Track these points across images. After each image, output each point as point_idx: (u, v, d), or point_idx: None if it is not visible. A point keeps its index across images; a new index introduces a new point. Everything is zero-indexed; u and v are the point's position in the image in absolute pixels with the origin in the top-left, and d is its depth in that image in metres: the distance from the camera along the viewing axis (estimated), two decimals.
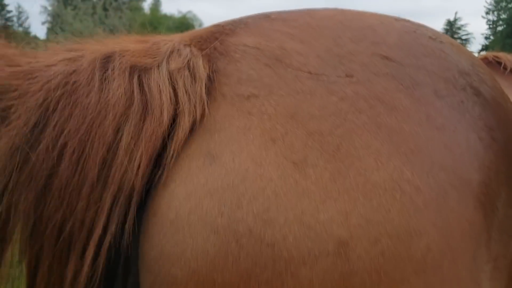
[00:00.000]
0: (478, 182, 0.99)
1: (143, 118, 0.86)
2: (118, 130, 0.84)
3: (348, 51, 1.05)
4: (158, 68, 0.92)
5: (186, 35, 1.05)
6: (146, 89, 0.88)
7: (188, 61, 0.94)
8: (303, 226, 0.77)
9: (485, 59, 2.75)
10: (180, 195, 0.79)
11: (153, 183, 0.84)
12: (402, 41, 1.14)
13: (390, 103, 0.96)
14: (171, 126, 0.86)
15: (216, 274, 0.75)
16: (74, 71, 0.88)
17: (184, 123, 0.86)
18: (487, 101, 1.14)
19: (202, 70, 0.93)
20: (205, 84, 0.92)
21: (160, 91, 0.88)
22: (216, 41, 1.01)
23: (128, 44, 0.98)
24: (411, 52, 1.12)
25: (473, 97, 1.11)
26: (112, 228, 0.80)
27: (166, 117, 0.86)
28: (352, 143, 0.86)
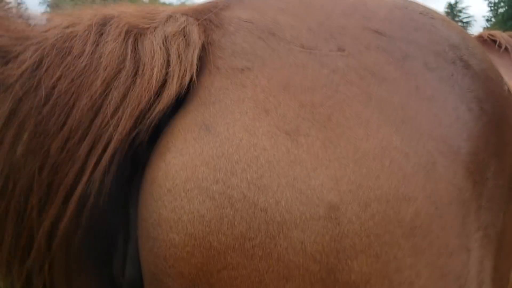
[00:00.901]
0: (467, 152, 1.02)
1: (134, 78, 0.89)
2: (106, 87, 0.86)
3: (339, 25, 1.08)
4: (154, 31, 0.94)
5: (181, 8, 1.08)
6: (140, 50, 0.91)
7: (184, 27, 0.97)
8: (295, 191, 0.80)
9: (480, 38, 2.76)
10: (176, 164, 0.82)
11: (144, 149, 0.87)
12: (392, 16, 1.17)
13: (380, 75, 0.99)
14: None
15: (212, 237, 0.78)
16: (70, 34, 0.91)
17: (172, 86, 0.89)
18: (476, 74, 1.16)
19: (196, 37, 0.95)
20: (198, 52, 0.94)
21: (153, 52, 0.91)
22: (211, 14, 1.03)
23: (126, 9, 1.01)
24: (401, 26, 1.14)
25: (463, 70, 1.13)
26: (85, 178, 0.84)
27: (155, 79, 0.89)
28: (343, 113, 0.89)
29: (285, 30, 1.01)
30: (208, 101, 0.88)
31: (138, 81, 0.88)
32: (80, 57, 0.87)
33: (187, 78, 0.91)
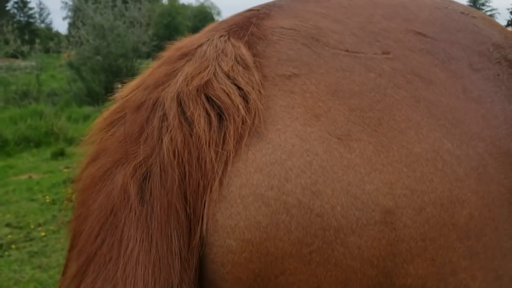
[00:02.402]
0: None
1: (222, 123, 0.90)
2: (209, 148, 0.87)
3: (382, 28, 1.08)
4: (215, 77, 0.94)
5: (221, 25, 1.08)
6: (216, 100, 0.91)
7: (235, 56, 0.97)
8: (350, 196, 0.81)
9: None
10: (231, 172, 0.83)
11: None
12: (434, 17, 1.16)
13: (427, 77, 0.98)
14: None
15: (269, 243, 0.79)
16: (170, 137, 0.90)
17: (258, 109, 0.89)
18: None
19: (249, 59, 0.96)
20: (256, 70, 0.95)
21: (228, 94, 0.91)
22: (252, 26, 1.04)
23: (178, 68, 1.00)
24: (444, 27, 1.14)
25: (508, 69, 1.13)
26: None
27: (243, 112, 0.89)
28: (393, 117, 0.89)
29: (329, 36, 1.02)
30: (262, 112, 0.89)
31: (229, 125, 0.89)
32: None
33: (262, 96, 0.91)
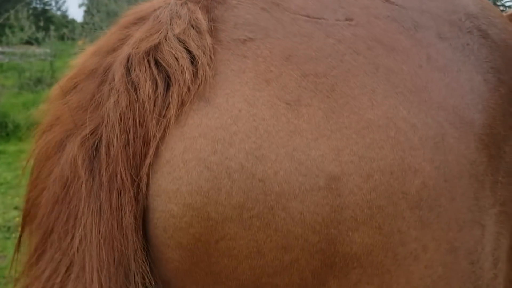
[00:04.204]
0: (481, 123, 0.98)
1: (168, 90, 0.87)
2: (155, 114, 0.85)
3: None
4: (166, 40, 0.92)
5: None
6: (164, 63, 0.89)
7: (189, 19, 0.95)
8: (294, 162, 0.79)
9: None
10: (175, 136, 0.82)
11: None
12: None
13: (389, 45, 0.96)
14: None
15: (210, 208, 0.78)
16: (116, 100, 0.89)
17: (205, 73, 0.87)
18: (495, 43, 1.11)
19: (203, 22, 0.94)
20: (209, 34, 0.93)
21: (176, 57, 0.89)
22: None
23: (135, 32, 0.99)
24: None
25: (480, 39, 1.09)
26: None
27: (188, 77, 0.87)
28: (347, 83, 0.87)
29: (291, 1, 0.99)
30: (210, 76, 0.87)
31: (174, 89, 0.87)
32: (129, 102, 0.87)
33: (212, 61, 0.89)
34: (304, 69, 0.87)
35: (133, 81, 0.87)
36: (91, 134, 0.86)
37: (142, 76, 0.87)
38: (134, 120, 0.85)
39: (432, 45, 1.01)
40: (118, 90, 0.86)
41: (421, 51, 0.98)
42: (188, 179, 0.79)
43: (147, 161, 0.83)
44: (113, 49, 0.95)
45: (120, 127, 0.84)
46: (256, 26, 0.93)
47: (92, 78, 0.93)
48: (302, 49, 0.90)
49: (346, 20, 0.98)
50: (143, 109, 0.85)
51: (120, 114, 0.85)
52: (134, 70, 0.88)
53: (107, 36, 1.01)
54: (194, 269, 0.81)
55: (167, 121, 0.84)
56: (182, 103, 0.85)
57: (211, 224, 0.78)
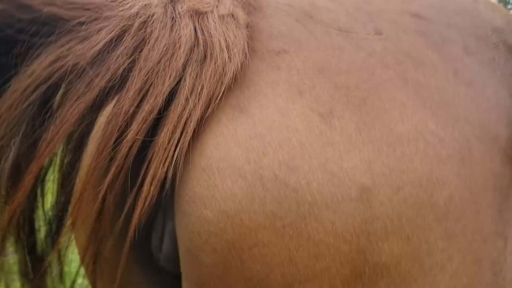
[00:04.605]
0: (506, 138, 1.00)
1: (205, 58, 0.91)
2: (185, 66, 0.88)
3: (377, 9, 1.07)
4: (212, 13, 0.95)
5: None
6: (207, 32, 0.92)
7: (232, 9, 0.98)
8: (327, 173, 0.81)
9: None
10: (210, 144, 0.85)
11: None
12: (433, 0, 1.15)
13: (418, 59, 0.98)
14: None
15: (243, 215, 0.81)
16: (147, 5, 0.91)
17: (233, 67, 0.90)
18: None
19: (243, 20, 0.97)
20: (246, 32, 0.95)
21: (219, 35, 0.92)
22: None
23: None
24: (442, 10, 1.12)
25: (506, 54, 1.11)
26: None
27: (225, 61, 0.90)
28: (378, 96, 0.89)
29: (323, 13, 1.01)
30: (243, 83, 0.90)
31: (208, 63, 0.90)
32: (158, 41, 0.89)
33: (243, 60, 0.92)
34: (336, 81, 0.89)
35: (174, 17, 0.90)
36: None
37: (184, 20, 0.90)
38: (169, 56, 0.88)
39: (459, 59, 1.03)
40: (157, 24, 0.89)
41: (448, 66, 1.00)
42: (223, 187, 0.82)
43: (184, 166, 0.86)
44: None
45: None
46: (290, 38, 0.95)
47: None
48: (334, 62, 0.92)
49: (376, 34, 1.01)
50: (174, 43, 0.88)
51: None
52: (178, 11, 0.92)
53: None
54: (227, 274, 0.84)
55: (198, 100, 0.87)
56: (220, 82, 0.88)
57: (244, 231, 0.81)
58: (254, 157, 0.82)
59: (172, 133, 0.86)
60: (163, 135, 0.85)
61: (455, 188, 0.87)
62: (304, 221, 0.80)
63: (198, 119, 0.86)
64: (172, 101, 0.87)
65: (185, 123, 0.86)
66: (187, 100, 0.87)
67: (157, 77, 0.87)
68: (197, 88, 0.88)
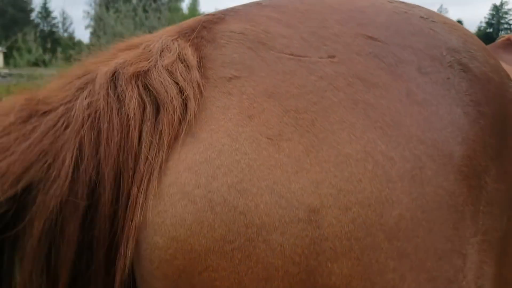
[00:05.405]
0: (461, 155, 1.01)
1: (157, 115, 0.93)
2: (140, 139, 0.90)
3: (333, 33, 1.09)
4: (155, 68, 0.98)
5: (174, 28, 1.11)
6: (152, 89, 0.94)
7: (178, 54, 1.00)
8: (274, 195, 0.82)
9: (507, 40, 2.70)
10: (161, 170, 0.86)
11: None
12: (390, 21, 1.17)
13: (369, 80, 1.00)
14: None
15: (193, 240, 0.81)
16: (91, 101, 0.92)
17: (191, 107, 0.92)
18: (476, 76, 1.15)
19: (192, 58, 0.99)
20: (197, 70, 0.98)
21: (164, 86, 0.95)
22: (204, 29, 1.07)
23: (123, 55, 1.04)
24: (397, 31, 1.15)
25: (460, 73, 1.13)
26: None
27: (177, 106, 0.92)
28: (327, 118, 0.91)
29: (276, 40, 1.04)
30: (196, 110, 0.92)
31: (163, 116, 0.91)
32: (110, 133, 0.90)
33: (199, 95, 0.94)
34: (285, 105, 0.91)
35: (118, 95, 0.92)
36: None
37: (128, 92, 0.92)
38: (120, 134, 0.89)
39: (412, 79, 1.05)
40: (99, 95, 0.91)
41: (401, 86, 1.02)
42: (173, 212, 0.83)
43: (138, 192, 0.87)
44: (100, 63, 1.00)
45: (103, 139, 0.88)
46: (241, 64, 0.97)
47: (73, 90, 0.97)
48: (285, 86, 0.94)
49: (329, 57, 1.03)
50: (127, 124, 0.89)
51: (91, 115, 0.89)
52: (121, 84, 0.93)
53: (95, 59, 1.06)
54: None
55: (162, 150, 0.88)
56: (175, 134, 0.89)
57: (194, 256, 0.82)
58: (204, 181, 0.83)
59: (138, 191, 0.88)
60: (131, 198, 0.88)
61: (405, 207, 0.88)
62: (253, 244, 0.81)
63: (160, 165, 0.88)
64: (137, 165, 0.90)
65: (149, 177, 0.88)
66: (146, 160, 0.88)
67: (123, 167, 0.89)
68: (156, 143, 0.89)
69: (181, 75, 0.96)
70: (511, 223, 1.18)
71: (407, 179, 0.90)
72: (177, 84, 0.95)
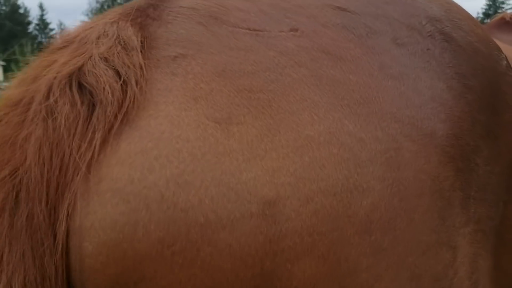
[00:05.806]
0: (445, 134, 0.89)
1: (94, 108, 0.80)
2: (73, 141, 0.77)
3: (296, 5, 0.97)
4: (90, 60, 0.85)
5: (116, 10, 0.99)
6: (87, 85, 0.82)
7: (116, 37, 0.88)
8: (222, 187, 0.70)
9: (501, 19, 2.57)
10: (91, 165, 0.73)
11: None
12: None
13: (336, 54, 0.87)
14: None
15: (126, 245, 0.69)
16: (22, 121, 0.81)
17: (131, 93, 0.79)
18: (460, 47, 1.03)
19: (133, 39, 0.87)
20: (140, 51, 0.85)
21: (99, 77, 0.82)
22: (150, 7, 0.94)
23: (59, 55, 0.92)
24: (370, 0, 1.03)
25: (442, 43, 1.00)
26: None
27: (113, 95, 0.80)
28: (285, 98, 0.78)
29: (231, 14, 0.91)
30: (137, 96, 0.79)
31: (99, 113, 0.78)
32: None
33: (141, 80, 0.81)
34: (238, 84, 0.79)
35: (51, 108, 0.79)
36: (10, 176, 0.78)
37: (60, 101, 0.79)
38: (51, 151, 0.76)
39: (386, 51, 0.92)
40: (33, 120, 0.78)
41: (373, 59, 0.90)
42: (103, 214, 0.70)
43: (66, 194, 0.74)
44: (38, 78, 0.88)
45: (37, 161, 0.76)
46: (188, 41, 0.85)
47: (16, 110, 0.86)
48: (238, 64, 0.82)
49: (291, 31, 0.90)
50: (60, 138, 0.77)
51: (36, 147, 0.77)
52: (53, 95, 0.80)
53: (34, 64, 0.93)
54: None
55: (93, 146, 0.75)
56: (110, 125, 0.76)
57: (128, 263, 0.69)
58: (138, 176, 0.70)
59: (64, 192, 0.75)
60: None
61: (378, 195, 0.76)
62: (196, 246, 0.68)
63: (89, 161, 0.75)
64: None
65: (77, 175, 0.75)
66: (74, 160, 0.76)
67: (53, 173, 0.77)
68: (87, 139, 0.76)
69: (120, 59, 0.83)
70: (508, 209, 1.05)
71: (380, 162, 0.78)
72: (115, 69, 0.82)
